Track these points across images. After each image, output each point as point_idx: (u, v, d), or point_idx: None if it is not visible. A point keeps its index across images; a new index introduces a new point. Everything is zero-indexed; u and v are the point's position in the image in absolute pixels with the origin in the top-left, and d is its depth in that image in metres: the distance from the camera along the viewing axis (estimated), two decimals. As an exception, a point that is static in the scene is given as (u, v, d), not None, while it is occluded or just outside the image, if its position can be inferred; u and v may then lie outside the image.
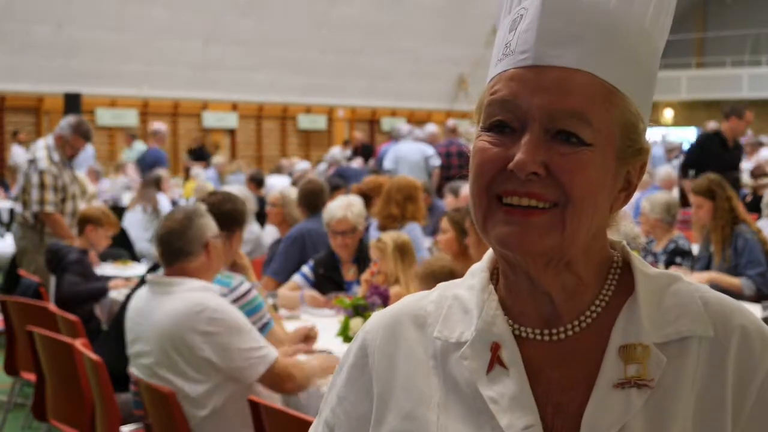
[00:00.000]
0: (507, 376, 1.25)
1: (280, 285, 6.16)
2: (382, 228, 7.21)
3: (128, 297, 4.71)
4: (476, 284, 1.33)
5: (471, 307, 1.31)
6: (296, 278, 5.93)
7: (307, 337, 4.63)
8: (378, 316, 1.40)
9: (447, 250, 5.49)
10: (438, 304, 1.35)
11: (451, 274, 4.27)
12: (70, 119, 7.89)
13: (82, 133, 7.78)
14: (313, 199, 7.07)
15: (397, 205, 7.53)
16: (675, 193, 9.85)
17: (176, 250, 3.93)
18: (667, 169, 11.26)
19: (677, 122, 30.44)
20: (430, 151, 12.80)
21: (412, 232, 7.46)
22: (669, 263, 6.39)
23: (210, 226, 4.02)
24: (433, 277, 4.26)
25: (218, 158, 18.15)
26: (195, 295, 3.81)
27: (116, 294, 6.32)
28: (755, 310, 5.00)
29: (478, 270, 1.35)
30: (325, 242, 6.15)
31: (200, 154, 18.18)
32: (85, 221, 6.99)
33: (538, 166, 1.17)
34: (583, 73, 1.20)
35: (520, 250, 1.20)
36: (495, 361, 1.26)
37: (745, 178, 12.62)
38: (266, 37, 21.69)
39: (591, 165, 1.19)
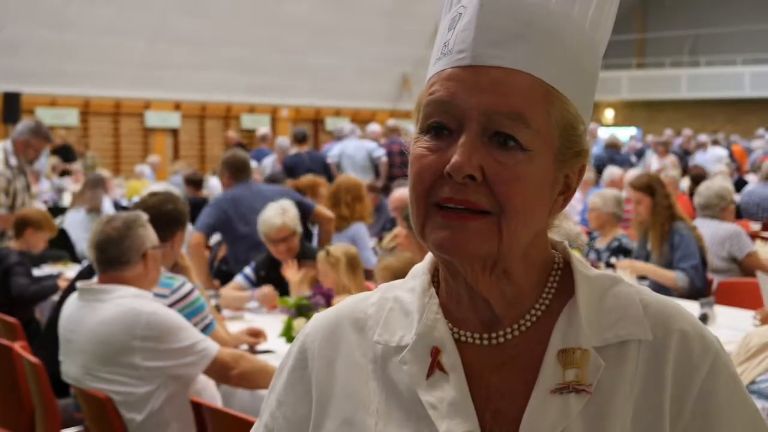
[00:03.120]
0: (446, 382, 1.23)
1: (208, 239, 6.57)
2: (337, 228, 7.38)
3: (62, 299, 4.64)
4: (417, 287, 1.31)
5: (412, 310, 1.29)
6: (239, 279, 5.92)
7: (256, 334, 4.64)
8: (318, 318, 1.38)
9: (404, 248, 5.51)
10: (379, 306, 1.33)
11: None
12: (27, 123, 7.96)
13: (43, 135, 7.84)
14: (240, 166, 7.23)
15: (347, 206, 7.60)
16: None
17: (112, 258, 3.85)
18: (613, 170, 11.33)
19: (618, 122, 30.81)
20: (372, 145, 12.86)
21: (358, 231, 7.51)
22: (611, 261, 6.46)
23: (149, 236, 3.93)
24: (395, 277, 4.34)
25: (154, 157, 17.89)
26: (128, 301, 3.74)
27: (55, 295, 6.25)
28: (693, 307, 5.08)
29: (419, 272, 1.34)
30: (256, 209, 6.24)
31: (67, 155, 17.09)
32: (24, 224, 6.89)
33: (474, 169, 1.16)
34: (521, 74, 1.18)
35: (457, 254, 1.19)
36: (435, 366, 1.25)
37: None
38: (210, 36, 21.54)
39: (528, 175, 1.17)
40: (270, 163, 13.98)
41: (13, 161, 7.64)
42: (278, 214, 5.90)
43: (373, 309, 1.33)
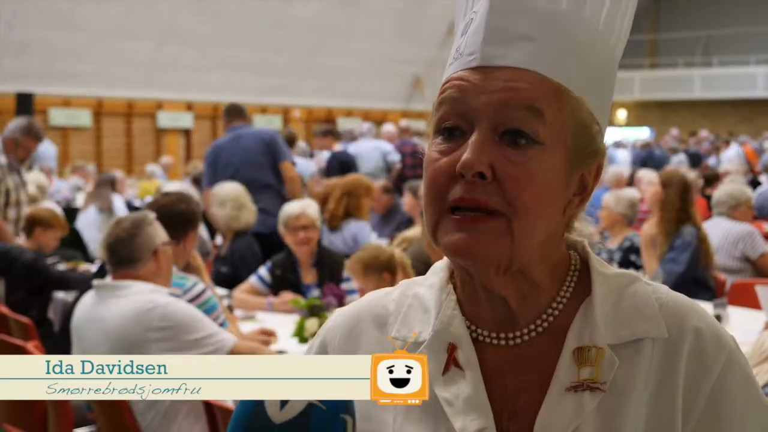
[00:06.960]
0: (462, 378, 1.24)
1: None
2: (331, 227, 7.40)
3: (77, 299, 4.66)
4: (436, 283, 1.32)
5: (430, 307, 1.30)
6: (252, 280, 5.83)
7: (267, 334, 4.64)
8: (340, 313, 1.39)
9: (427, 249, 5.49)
10: (399, 302, 1.34)
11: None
12: (19, 121, 7.76)
13: (33, 134, 7.66)
14: (231, 109, 8.69)
15: (335, 201, 7.54)
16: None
17: (123, 258, 3.87)
18: (616, 169, 11.28)
19: (630, 122, 30.74)
20: (388, 147, 12.74)
21: (362, 230, 7.48)
22: (624, 260, 6.45)
23: (159, 233, 3.95)
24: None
25: (167, 158, 17.91)
26: (144, 296, 3.76)
27: (64, 295, 6.24)
28: (705, 308, 5.05)
29: (439, 268, 1.34)
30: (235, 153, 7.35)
31: None
32: (33, 223, 6.89)
33: (484, 166, 1.15)
34: (530, 72, 1.18)
35: (469, 257, 1.18)
36: (451, 362, 1.25)
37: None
38: (221, 37, 21.59)
39: (539, 172, 1.17)
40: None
41: (2, 159, 7.54)
42: (298, 205, 5.93)
43: (394, 305, 1.34)
